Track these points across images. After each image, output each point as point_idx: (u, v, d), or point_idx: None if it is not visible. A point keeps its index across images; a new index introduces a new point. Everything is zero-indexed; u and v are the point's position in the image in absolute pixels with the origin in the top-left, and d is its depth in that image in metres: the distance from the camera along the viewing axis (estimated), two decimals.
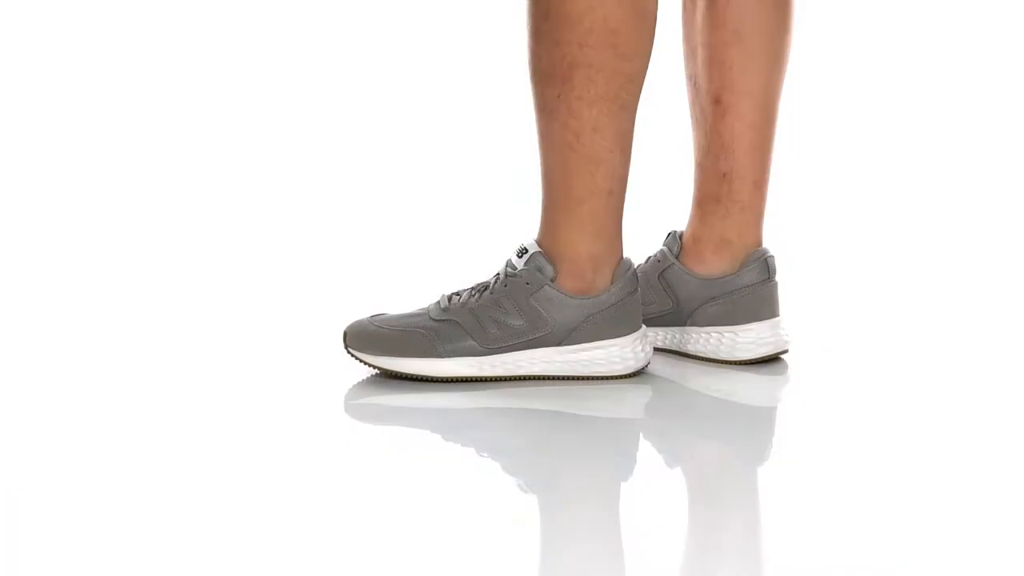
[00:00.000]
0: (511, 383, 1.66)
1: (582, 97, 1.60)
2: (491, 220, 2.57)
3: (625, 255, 1.68)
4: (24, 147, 3.06)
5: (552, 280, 1.65)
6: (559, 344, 1.66)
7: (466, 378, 1.66)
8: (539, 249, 1.66)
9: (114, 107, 3.19)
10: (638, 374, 1.69)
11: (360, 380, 1.68)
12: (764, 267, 1.74)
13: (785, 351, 1.76)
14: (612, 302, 1.66)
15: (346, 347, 1.69)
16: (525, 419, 1.56)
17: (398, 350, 1.67)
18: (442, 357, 1.66)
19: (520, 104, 1.70)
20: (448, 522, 1.26)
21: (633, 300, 1.67)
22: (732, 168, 1.74)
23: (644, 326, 1.70)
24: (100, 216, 2.73)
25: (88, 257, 2.45)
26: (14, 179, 2.92)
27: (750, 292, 1.74)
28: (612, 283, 1.66)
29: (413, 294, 1.84)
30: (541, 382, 1.66)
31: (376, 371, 1.69)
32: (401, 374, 1.67)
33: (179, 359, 1.82)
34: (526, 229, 1.71)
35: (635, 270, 1.68)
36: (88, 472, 1.39)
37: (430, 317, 1.68)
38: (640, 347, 1.68)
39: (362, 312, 1.72)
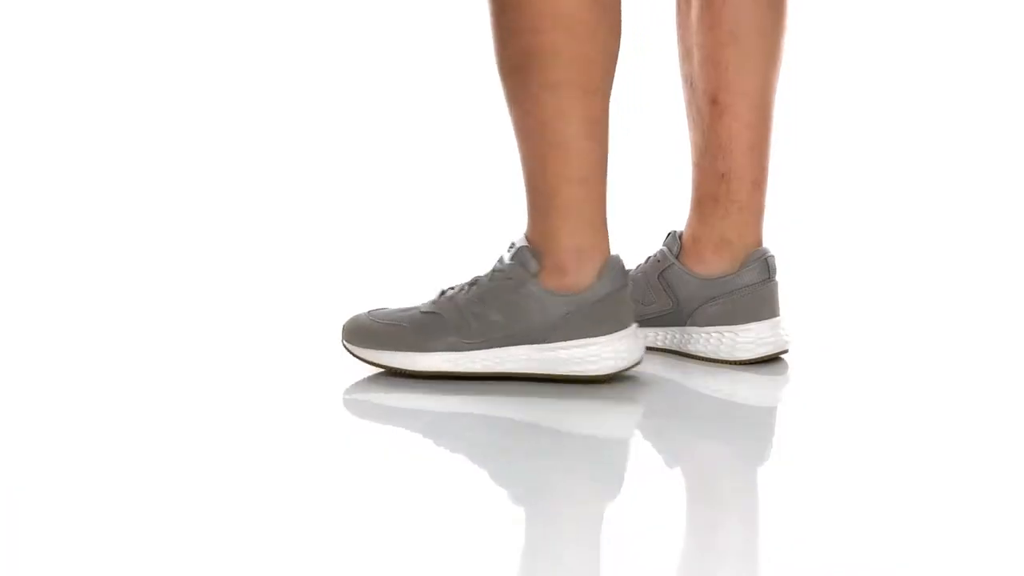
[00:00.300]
0: (516, 382, 1.66)
1: (543, 84, 1.59)
2: (495, 215, 2.57)
3: (615, 252, 1.67)
4: (24, 148, 3.06)
5: (535, 275, 1.65)
6: (539, 342, 1.66)
7: (446, 374, 1.66)
8: (526, 243, 1.66)
9: (113, 107, 3.20)
10: (620, 376, 1.67)
11: (360, 378, 1.68)
12: (764, 267, 1.74)
13: (785, 351, 1.76)
14: (594, 299, 1.64)
15: (343, 341, 1.69)
16: (524, 420, 1.56)
17: (384, 344, 1.66)
18: (424, 352, 1.66)
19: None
20: (446, 522, 1.26)
21: (619, 297, 1.64)
22: (730, 168, 1.73)
23: (635, 325, 1.67)
24: (99, 215, 2.73)
25: (87, 256, 2.45)
26: (14, 179, 2.93)
27: (750, 292, 1.74)
28: (597, 279, 1.65)
29: (416, 291, 1.84)
30: (545, 382, 1.66)
31: (380, 369, 1.69)
32: (387, 368, 1.67)
33: (179, 357, 1.82)
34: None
35: (623, 266, 1.66)
36: (88, 471, 1.39)
37: (419, 311, 1.68)
38: (624, 346, 1.65)
39: (365, 308, 1.73)
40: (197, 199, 2.87)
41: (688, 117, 1.77)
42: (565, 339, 1.64)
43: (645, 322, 1.78)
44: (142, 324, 2.00)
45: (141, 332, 1.96)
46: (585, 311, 1.63)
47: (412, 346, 1.66)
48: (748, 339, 1.73)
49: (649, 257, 1.81)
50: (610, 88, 1.62)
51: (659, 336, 1.79)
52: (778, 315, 1.76)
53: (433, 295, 1.71)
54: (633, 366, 1.66)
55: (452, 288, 1.69)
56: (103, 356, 1.83)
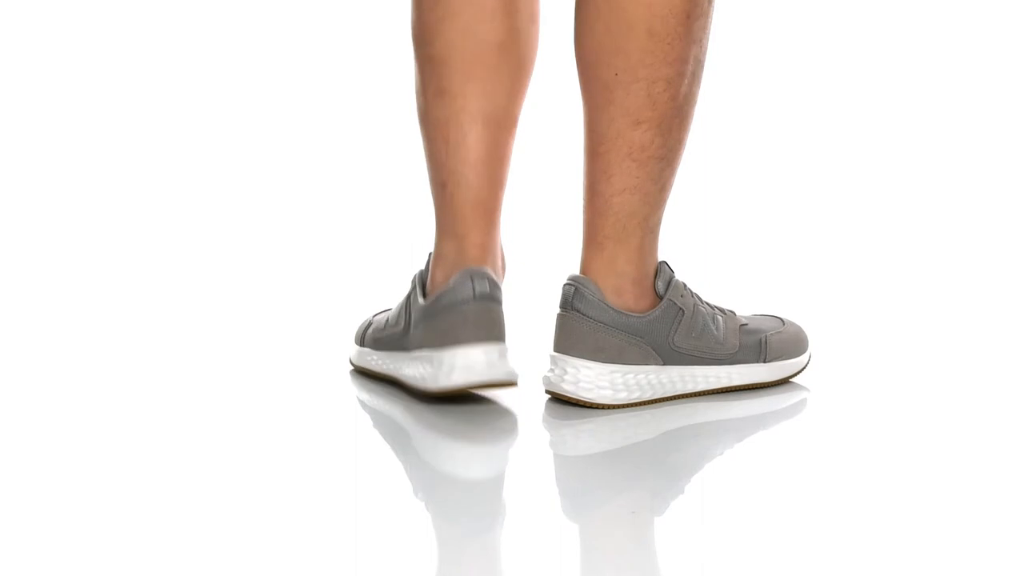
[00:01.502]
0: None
1: (416, 91, 1.59)
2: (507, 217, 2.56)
3: None
4: (24, 148, 3.06)
5: None
6: None
7: None
8: None
9: (113, 107, 3.20)
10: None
11: (362, 382, 1.68)
12: None
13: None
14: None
15: None
16: (520, 422, 1.56)
17: None
18: None
19: (536, 104, 1.67)
20: (439, 522, 1.26)
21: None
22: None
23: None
24: (99, 216, 2.73)
25: (87, 257, 2.45)
26: (14, 179, 2.93)
27: None
28: None
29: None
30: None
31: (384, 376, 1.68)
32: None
33: (180, 359, 1.82)
34: (534, 229, 1.70)
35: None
36: (89, 472, 1.39)
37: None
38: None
39: (367, 311, 1.72)
40: (200, 200, 2.87)
41: None
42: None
43: None
44: (146, 328, 2.00)
45: (145, 336, 1.95)
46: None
47: None
48: None
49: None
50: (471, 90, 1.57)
51: None
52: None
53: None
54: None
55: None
56: (102, 358, 1.83)
